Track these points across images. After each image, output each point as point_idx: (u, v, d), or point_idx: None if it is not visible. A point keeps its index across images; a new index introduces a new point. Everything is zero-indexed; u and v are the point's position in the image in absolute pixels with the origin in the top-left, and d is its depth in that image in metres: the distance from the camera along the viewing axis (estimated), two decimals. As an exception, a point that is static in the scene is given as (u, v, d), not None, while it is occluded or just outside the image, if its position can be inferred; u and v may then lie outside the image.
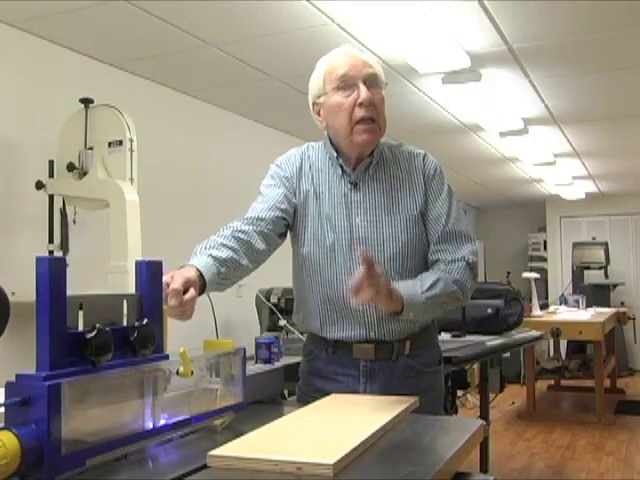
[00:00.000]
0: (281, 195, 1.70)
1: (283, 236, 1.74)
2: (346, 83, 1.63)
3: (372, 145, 1.68)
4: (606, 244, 8.01)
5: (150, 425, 1.18)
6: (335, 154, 1.72)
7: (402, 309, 1.53)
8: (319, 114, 1.71)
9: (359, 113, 1.62)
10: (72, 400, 1.01)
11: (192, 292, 1.35)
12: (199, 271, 1.42)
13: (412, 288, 1.57)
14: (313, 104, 1.72)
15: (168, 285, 1.32)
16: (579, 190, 8.25)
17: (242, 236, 1.58)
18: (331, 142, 1.74)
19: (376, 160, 1.72)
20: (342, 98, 1.63)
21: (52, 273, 1.04)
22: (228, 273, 1.51)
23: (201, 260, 1.46)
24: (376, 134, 1.66)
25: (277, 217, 1.67)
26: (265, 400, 1.87)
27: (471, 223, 9.80)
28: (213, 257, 1.48)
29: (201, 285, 1.42)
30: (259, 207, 1.68)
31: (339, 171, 1.72)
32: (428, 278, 1.61)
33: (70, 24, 3.02)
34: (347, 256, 1.67)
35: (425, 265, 1.71)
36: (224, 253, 1.51)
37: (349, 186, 1.71)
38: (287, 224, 1.72)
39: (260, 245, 1.61)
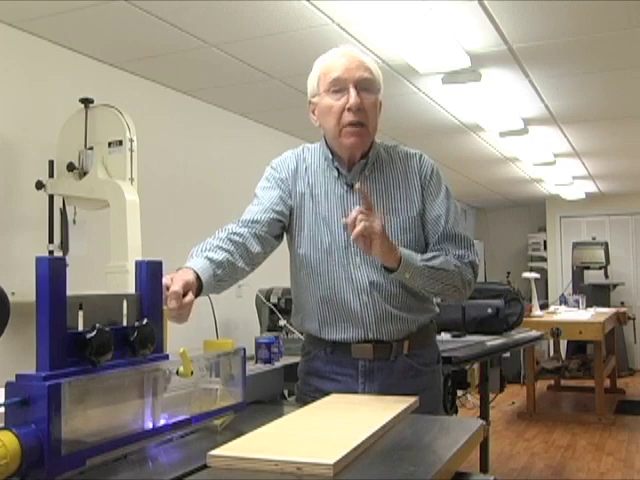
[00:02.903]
0: (276, 197, 1.71)
1: (279, 238, 1.74)
2: (337, 86, 1.64)
3: (360, 148, 1.68)
4: (606, 244, 8.01)
5: (150, 425, 1.18)
6: (330, 156, 1.72)
7: (398, 266, 1.53)
8: (314, 113, 1.73)
9: (347, 117, 1.63)
10: (72, 400, 1.01)
11: (191, 296, 1.36)
12: (196, 273, 1.42)
13: (412, 252, 1.59)
14: (309, 103, 1.74)
15: (168, 288, 1.33)
16: (579, 190, 8.25)
17: (237, 238, 1.58)
18: (327, 143, 1.74)
19: (372, 161, 1.72)
20: (333, 101, 1.64)
21: (52, 273, 1.04)
22: (224, 275, 1.51)
23: (198, 262, 1.46)
24: (364, 137, 1.66)
25: (272, 219, 1.67)
26: (265, 400, 1.87)
27: (471, 223, 9.80)
28: (209, 259, 1.49)
29: (198, 287, 1.42)
30: (254, 209, 1.68)
31: (335, 173, 1.72)
32: (429, 253, 1.64)
33: (70, 24, 3.02)
34: (344, 257, 1.67)
35: None
36: (220, 255, 1.51)
37: (345, 187, 1.71)
38: (283, 225, 1.73)
39: (255, 248, 1.61)
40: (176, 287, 1.32)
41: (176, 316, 1.34)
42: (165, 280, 1.33)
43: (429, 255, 1.62)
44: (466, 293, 1.70)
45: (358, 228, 1.43)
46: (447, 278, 1.62)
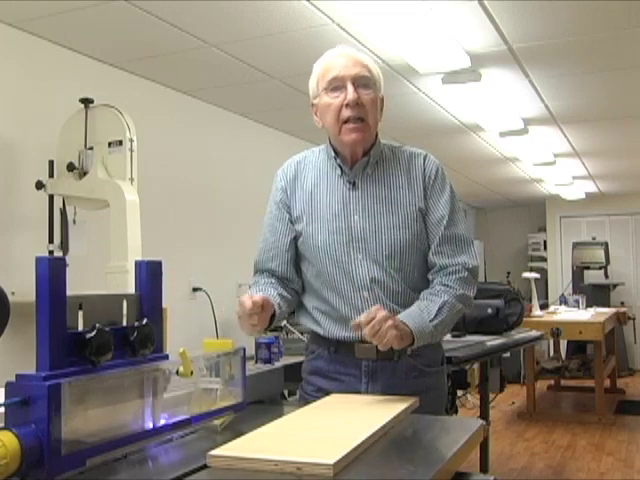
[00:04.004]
0: (283, 229, 1.76)
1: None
2: (335, 85, 1.65)
3: (361, 143, 1.69)
4: (606, 244, 8.01)
5: (150, 425, 1.18)
6: (333, 154, 1.73)
7: (412, 342, 1.56)
8: (316, 115, 1.74)
9: (345, 113, 1.64)
10: (72, 400, 1.01)
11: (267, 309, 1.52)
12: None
13: (420, 319, 1.58)
14: (311, 105, 1.75)
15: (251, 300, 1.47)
16: (579, 190, 8.25)
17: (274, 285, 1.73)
18: (330, 142, 1.75)
19: (375, 160, 1.73)
20: (331, 99, 1.66)
21: (52, 273, 1.04)
22: (285, 308, 1.68)
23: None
24: (364, 132, 1.67)
25: (288, 259, 1.76)
26: (265, 400, 1.88)
27: (471, 223, 9.80)
28: (271, 295, 1.63)
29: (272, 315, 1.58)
30: (270, 255, 1.77)
31: (338, 171, 1.73)
32: (434, 302, 1.62)
33: (70, 24, 3.02)
34: (345, 254, 1.68)
35: (424, 263, 1.72)
36: (274, 292, 1.67)
37: (348, 185, 1.72)
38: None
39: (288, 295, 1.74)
40: (257, 298, 1.48)
41: (251, 325, 1.49)
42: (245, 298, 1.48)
43: (435, 308, 1.61)
44: (471, 307, 1.73)
45: (380, 346, 1.49)
46: (455, 318, 1.67)
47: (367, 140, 1.70)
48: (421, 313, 1.59)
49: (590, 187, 8.19)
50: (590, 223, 9.22)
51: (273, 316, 1.59)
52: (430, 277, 1.71)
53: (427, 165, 1.74)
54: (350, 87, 1.63)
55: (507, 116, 4.63)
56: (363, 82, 1.65)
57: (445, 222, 1.69)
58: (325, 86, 1.67)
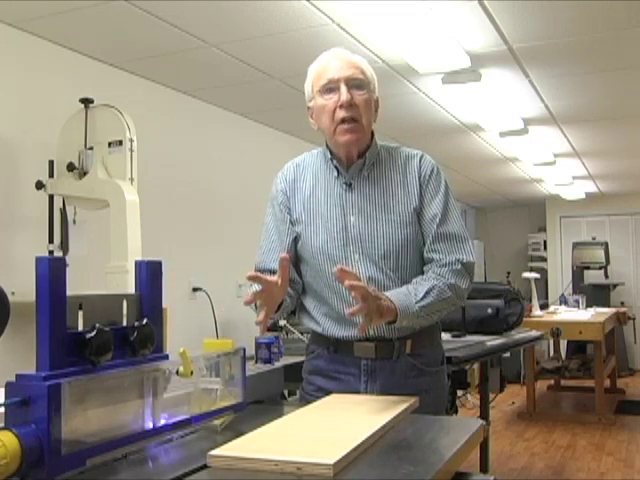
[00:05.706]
0: (284, 230, 1.76)
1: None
2: (329, 86, 1.66)
3: (355, 144, 1.69)
4: (606, 244, 8.01)
5: (150, 425, 1.18)
6: (329, 155, 1.75)
7: (395, 319, 1.54)
8: (312, 117, 1.75)
9: (340, 114, 1.65)
10: (72, 400, 1.01)
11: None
12: None
13: (406, 298, 1.58)
14: (307, 108, 1.77)
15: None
16: (579, 190, 8.25)
17: None
18: (327, 144, 1.76)
19: (371, 161, 1.74)
20: (325, 101, 1.67)
21: (52, 273, 1.04)
22: (289, 303, 1.69)
23: None
24: (358, 133, 1.67)
25: (290, 256, 1.73)
26: (265, 400, 1.88)
27: (471, 223, 9.80)
28: None
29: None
30: (271, 257, 1.75)
31: (335, 173, 1.74)
32: (423, 285, 1.62)
33: (70, 24, 3.02)
34: (342, 255, 1.68)
35: (421, 262, 1.72)
36: None
37: (344, 187, 1.73)
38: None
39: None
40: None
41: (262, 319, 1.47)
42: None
43: (423, 290, 1.60)
44: (464, 300, 1.73)
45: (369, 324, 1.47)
46: (444, 305, 1.65)
47: (361, 141, 1.70)
48: (408, 293, 1.59)
49: (590, 187, 8.19)
50: (590, 223, 9.22)
51: (280, 305, 1.60)
52: (424, 270, 1.71)
53: (423, 165, 1.74)
54: (343, 88, 1.64)
55: (507, 116, 4.63)
56: (356, 83, 1.66)
57: (438, 220, 1.70)
58: (319, 88, 1.68)
